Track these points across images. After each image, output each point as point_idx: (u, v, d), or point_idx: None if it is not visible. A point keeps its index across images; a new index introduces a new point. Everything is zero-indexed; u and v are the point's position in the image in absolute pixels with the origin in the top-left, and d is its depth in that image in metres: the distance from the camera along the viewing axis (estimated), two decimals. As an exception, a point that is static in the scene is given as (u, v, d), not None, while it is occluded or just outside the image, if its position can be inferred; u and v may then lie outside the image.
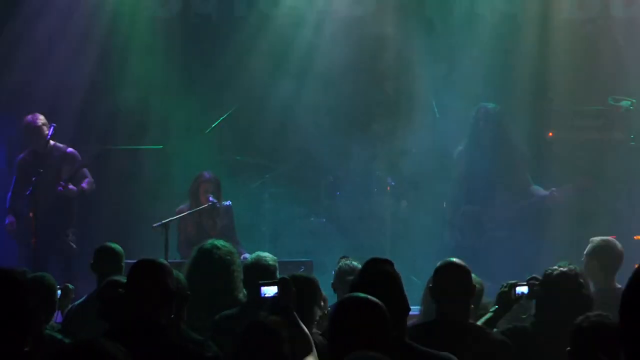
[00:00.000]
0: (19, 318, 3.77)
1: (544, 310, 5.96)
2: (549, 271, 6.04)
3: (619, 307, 2.58)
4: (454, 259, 5.84)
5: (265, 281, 6.00)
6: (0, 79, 11.98)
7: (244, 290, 7.02)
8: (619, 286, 7.60)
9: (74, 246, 11.00)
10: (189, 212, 10.51)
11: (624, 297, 2.56)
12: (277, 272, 6.89)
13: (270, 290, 5.76)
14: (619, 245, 7.83)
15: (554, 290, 5.95)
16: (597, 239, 7.87)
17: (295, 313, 5.38)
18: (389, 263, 4.93)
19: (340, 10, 12.36)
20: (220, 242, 7.41)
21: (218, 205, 10.63)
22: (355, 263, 7.28)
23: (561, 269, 5.99)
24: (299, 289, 5.68)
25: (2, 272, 3.84)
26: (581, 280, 5.98)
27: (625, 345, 2.53)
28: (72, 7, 12.03)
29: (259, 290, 5.85)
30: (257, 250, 7.29)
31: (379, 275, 4.84)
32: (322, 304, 6.27)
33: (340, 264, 7.37)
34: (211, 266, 7.16)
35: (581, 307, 5.69)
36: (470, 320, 5.78)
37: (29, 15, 12.00)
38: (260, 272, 6.72)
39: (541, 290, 6.06)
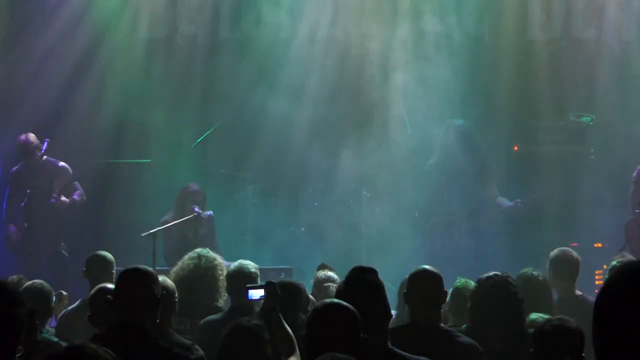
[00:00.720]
0: (10, 327, 3.73)
1: (475, 312, 5.94)
2: (482, 277, 6.03)
3: (593, 316, 2.49)
4: (427, 267, 5.85)
5: (253, 284, 6.02)
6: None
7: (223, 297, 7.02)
8: (579, 293, 7.64)
9: (66, 254, 11.01)
10: (176, 222, 10.52)
11: (597, 306, 2.48)
12: (259, 279, 6.89)
13: (257, 293, 5.80)
14: (574, 254, 7.85)
15: (484, 294, 5.93)
16: (555, 250, 7.90)
17: (280, 315, 5.36)
18: (373, 272, 4.93)
19: (319, 31, 12.40)
20: (206, 251, 7.42)
21: (202, 216, 10.64)
22: (331, 273, 7.32)
23: (494, 273, 5.95)
24: (286, 294, 5.68)
25: None
26: (512, 285, 5.91)
27: (598, 352, 2.46)
28: (67, 28, 12.03)
29: (247, 293, 5.86)
30: (240, 258, 7.29)
31: (364, 283, 4.85)
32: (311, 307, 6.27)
33: (317, 274, 7.40)
34: (197, 272, 7.16)
35: (510, 310, 5.72)
36: (442, 324, 5.78)
37: (26, 36, 11.99)
38: (242, 279, 6.75)
39: (475, 295, 6.06)
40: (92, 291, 6.43)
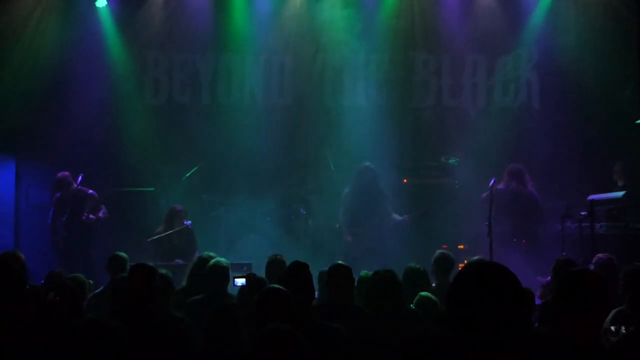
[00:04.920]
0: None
1: (368, 300, 5.85)
2: (378, 270, 6.01)
3: (446, 299, 2.49)
4: (340, 262, 5.90)
5: (238, 275, 6.02)
6: (44, 143, 11.86)
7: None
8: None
9: (92, 255, 10.92)
10: (172, 231, 10.48)
11: (448, 294, 2.49)
12: (230, 270, 6.78)
13: (240, 281, 5.81)
14: (451, 254, 7.88)
15: (374, 281, 5.87)
16: (437, 251, 7.95)
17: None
18: (305, 265, 4.98)
19: (270, 100, 12.48)
20: (207, 253, 7.29)
21: (190, 227, 10.61)
22: (280, 255, 7.29)
23: (384, 269, 5.88)
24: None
25: None
26: (395, 279, 5.82)
27: (451, 326, 2.45)
28: (94, 93, 11.95)
29: (234, 281, 5.85)
30: (215, 256, 7.21)
31: (298, 273, 4.89)
32: None
33: (270, 257, 7.36)
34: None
35: (391, 298, 5.72)
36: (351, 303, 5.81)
37: (65, 102, 11.88)
38: (218, 271, 6.66)
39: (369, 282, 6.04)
40: (116, 279, 6.37)
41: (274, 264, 7.17)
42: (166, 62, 12.46)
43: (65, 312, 4.69)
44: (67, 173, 11.04)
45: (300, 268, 4.97)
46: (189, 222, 10.62)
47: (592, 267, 6.99)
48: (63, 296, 4.65)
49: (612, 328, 5.38)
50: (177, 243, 10.56)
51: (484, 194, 10.34)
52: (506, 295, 2.36)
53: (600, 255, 7.24)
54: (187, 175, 11.87)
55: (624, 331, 5.23)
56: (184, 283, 7.16)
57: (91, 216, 10.98)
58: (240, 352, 4.42)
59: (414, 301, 6.13)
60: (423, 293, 6.19)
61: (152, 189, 11.84)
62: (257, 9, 12.30)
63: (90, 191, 11.09)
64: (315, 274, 5.47)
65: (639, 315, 4.82)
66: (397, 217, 11.01)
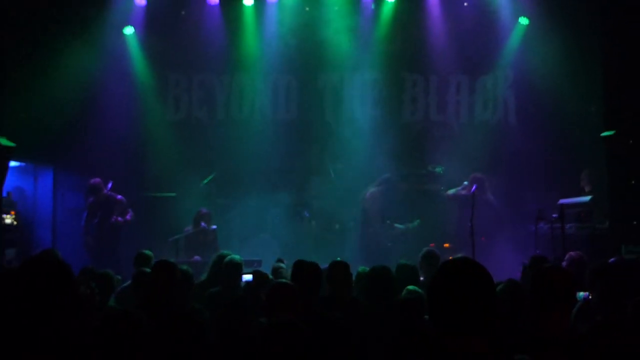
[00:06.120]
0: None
1: (366, 294, 5.77)
2: (375, 266, 5.95)
3: (427, 291, 2.53)
4: (339, 259, 5.86)
5: (246, 271, 6.00)
6: (79, 153, 11.84)
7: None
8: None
9: (121, 254, 10.89)
10: (190, 232, 10.51)
11: (429, 286, 2.51)
12: (243, 266, 6.76)
13: (248, 277, 5.78)
14: (436, 251, 7.85)
15: (370, 280, 5.82)
16: (425, 249, 7.91)
17: (261, 293, 5.37)
18: (309, 264, 4.98)
19: (277, 115, 12.48)
20: (227, 252, 7.27)
21: (208, 228, 10.61)
22: (282, 263, 7.26)
23: (379, 266, 5.84)
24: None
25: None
26: (389, 275, 5.78)
27: (431, 316, 2.48)
28: (120, 109, 11.94)
29: (241, 277, 5.83)
30: (230, 254, 7.18)
31: (303, 271, 4.89)
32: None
33: (274, 264, 7.36)
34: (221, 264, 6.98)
35: (385, 286, 5.66)
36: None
37: (94, 112, 11.85)
38: (232, 267, 6.62)
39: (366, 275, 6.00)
40: (136, 272, 6.37)
41: (277, 270, 7.20)
42: (186, 82, 12.52)
43: (96, 303, 4.68)
44: (98, 180, 11.05)
45: (305, 266, 4.95)
46: (214, 226, 10.64)
47: (564, 263, 6.97)
48: (93, 289, 4.65)
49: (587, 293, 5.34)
50: (201, 242, 10.58)
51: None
52: (479, 287, 2.38)
53: (572, 252, 7.21)
54: (205, 182, 11.88)
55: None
56: (202, 277, 7.15)
57: (119, 219, 10.98)
58: (249, 340, 4.41)
59: (402, 294, 6.10)
60: (410, 287, 6.15)
61: (174, 194, 11.82)
62: (265, 35, 12.34)
63: (119, 196, 11.09)
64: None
65: (605, 307, 4.81)
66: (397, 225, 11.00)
